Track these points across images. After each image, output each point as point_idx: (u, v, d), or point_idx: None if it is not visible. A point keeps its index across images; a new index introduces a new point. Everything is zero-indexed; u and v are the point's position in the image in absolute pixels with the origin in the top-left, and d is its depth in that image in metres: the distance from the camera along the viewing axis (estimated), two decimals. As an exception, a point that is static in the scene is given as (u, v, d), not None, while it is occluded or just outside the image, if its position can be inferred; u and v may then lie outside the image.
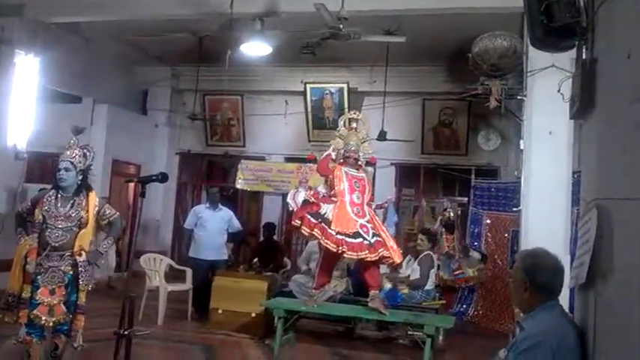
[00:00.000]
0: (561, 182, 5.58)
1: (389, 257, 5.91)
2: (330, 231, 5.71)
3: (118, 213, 4.64)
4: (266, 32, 7.76)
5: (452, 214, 8.01)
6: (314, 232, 5.77)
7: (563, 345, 2.29)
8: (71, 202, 4.26)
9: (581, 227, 2.55)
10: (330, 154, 6.20)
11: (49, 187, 4.45)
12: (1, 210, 7.76)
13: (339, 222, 5.77)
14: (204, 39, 9.66)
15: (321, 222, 5.79)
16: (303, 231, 5.88)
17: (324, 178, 6.22)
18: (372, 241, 5.78)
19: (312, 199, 6.02)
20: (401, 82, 10.29)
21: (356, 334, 7.03)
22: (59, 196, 4.26)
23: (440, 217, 8.34)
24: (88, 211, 4.28)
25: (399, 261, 6.16)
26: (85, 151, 4.39)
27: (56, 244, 4.16)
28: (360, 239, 5.73)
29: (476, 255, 7.87)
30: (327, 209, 5.91)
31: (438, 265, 7.69)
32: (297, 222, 5.91)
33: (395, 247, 6.00)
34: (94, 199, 4.37)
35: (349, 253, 5.70)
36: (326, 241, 5.70)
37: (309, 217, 5.85)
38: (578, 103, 2.71)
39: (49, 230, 4.17)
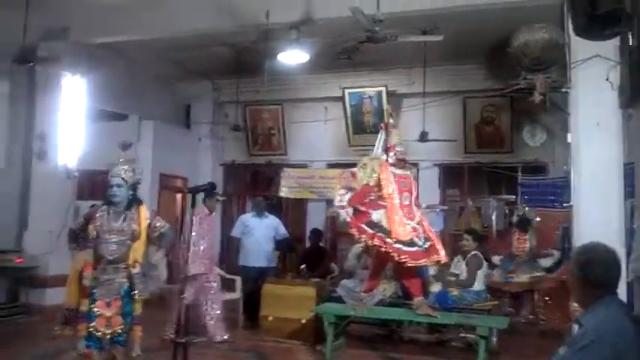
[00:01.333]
0: (612, 174, 5.42)
1: (439, 259, 5.90)
2: (389, 240, 5.69)
3: (168, 224, 4.74)
4: (302, 40, 7.82)
5: (526, 211, 7.76)
6: (375, 242, 5.75)
7: (623, 339, 2.22)
8: (123, 216, 4.38)
9: (638, 219, 2.48)
10: (367, 186, 6.01)
11: (99, 203, 4.58)
12: (54, 228, 8.02)
13: (395, 230, 5.74)
14: (242, 51, 9.79)
15: (378, 232, 5.77)
16: (363, 241, 5.89)
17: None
18: (426, 246, 5.75)
19: (362, 207, 5.96)
20: (440, 82, 10.18)
21: (407, 337, 6.97)
22: (111, 211, 4.38)
23: (515, 214, 8.12)
24: (139, 224, 4.40)
25: (444, 261, 6.10)
26: (133, 166, 4.52)
27: (111, 258, 4.28)
28: (416, 247, 5.70)
29: (544, 263, 7.58)
30: (379, 216, 5.88)
31: (495, 265, 7.52)
32: (354, 231, 5.89)
33: (441, 247, 5.96)
34: (144, 212, 4.47)
35: (411, 262, 5.66)
36: (387, 250, 5.68)
37: (364, 227, 5.82)
38: (628, 92, 2.64)
39: (103, 244, 4.29)
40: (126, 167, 4.44)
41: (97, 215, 4.35)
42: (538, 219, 8.22)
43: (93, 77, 8.77)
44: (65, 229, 5.79)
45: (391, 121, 6.34)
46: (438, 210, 6.71)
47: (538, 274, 7.49)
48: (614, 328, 2.25)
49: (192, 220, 5.99)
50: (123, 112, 10.68)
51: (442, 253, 5.89)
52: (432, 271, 7.10)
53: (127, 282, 4.32)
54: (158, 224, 4.55)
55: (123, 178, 4.39)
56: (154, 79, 11.16)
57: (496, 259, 7.63)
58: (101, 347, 4.27)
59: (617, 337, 2.22)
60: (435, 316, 5.88)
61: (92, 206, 4.68)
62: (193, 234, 6.42)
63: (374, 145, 6.42)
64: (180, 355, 3.35)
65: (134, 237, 4.36)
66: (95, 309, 4.21)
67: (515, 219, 7.96)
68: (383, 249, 5.70)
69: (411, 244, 5.68)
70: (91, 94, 8.84)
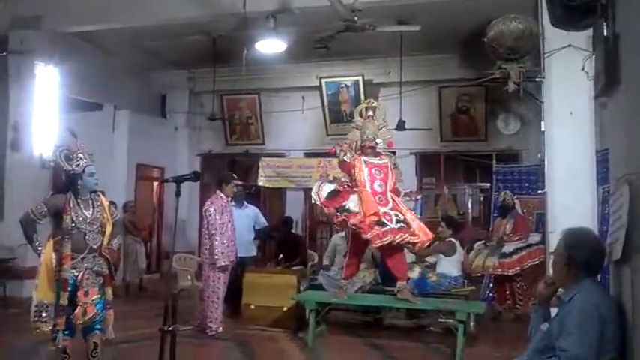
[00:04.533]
0: (585, 162, 5.56)
1: (414, 243, 5.95)
2: (359, 217, 5.79)
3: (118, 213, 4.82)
4: (279, 29, 7.81)
5: (507, 198, 7.83)
6: (343, 223, 5.94)
7: (605, 305, 2.34)
8: (90, 204, 4.35)
9: (613, 204, 2.58)
10: (344, 160, 6.16)
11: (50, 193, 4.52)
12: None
13: (368, 210, 5.84)
14: (218, 40, 9.75)
15: (345, 213, 5.90)
16: (335, 224, 6.13)
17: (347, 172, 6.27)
18: (396, 227, 5.83)
19: (340, 188, 6.09)
20: (416, 71, 10.30)
21: (387, 323, 7.07)
22: (79, 200, 4.33)
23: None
24: (105, 211, 4.43)
25: (426, 240, 6.07)
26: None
27: (95, 246, 4.28)
28: (387, 227, 5.78)
29: (505, 248, 7.69)
30: (351, 202, 6.00)
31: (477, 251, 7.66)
32: (327, 211, 6.04)
33: (421, 226, 5.98)
34: (104, 199, 4.51)
35: (377, 241, 5.73)
36: (359, 226, 5.75)
37: (335, 211, 5.96)
38: (603, 81, 2.73)
39: (84, 234, 4.26)
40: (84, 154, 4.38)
41: (71, 205, 4.28)
42: (518, 205, 8.28)
43: (67, 67, 8.66)
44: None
45: (370, 113, 6.39)
46: (416, 198, 6.75)
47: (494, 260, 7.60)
48: (599, 304, 2.37)
49: (214, 210, 6.38)
50: (97, 102, 10.56)
51: (422, 230, 5.93)
52: (409, 258, 7.20)
53: (106, 269, 4.34)
54: (114, 213, 4.61)
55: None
56: (128, 68, 11.04)
57: (478, 244, 7.75)
58: (74, 332, 4.29)
59: (600, 300, 2.36)
60: (415, 302, 5.98)
61: (52, 195, 4.53)
62: (218, 223, 6.40)
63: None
64: (167, 343, 3.37)
65: (103, 224, 4.37)
66: (76, 299, 4.20)
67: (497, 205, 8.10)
68: (353, 227, 5.83)
69: (381, 224, 5.78)
70: (65, 84, 8.73)
